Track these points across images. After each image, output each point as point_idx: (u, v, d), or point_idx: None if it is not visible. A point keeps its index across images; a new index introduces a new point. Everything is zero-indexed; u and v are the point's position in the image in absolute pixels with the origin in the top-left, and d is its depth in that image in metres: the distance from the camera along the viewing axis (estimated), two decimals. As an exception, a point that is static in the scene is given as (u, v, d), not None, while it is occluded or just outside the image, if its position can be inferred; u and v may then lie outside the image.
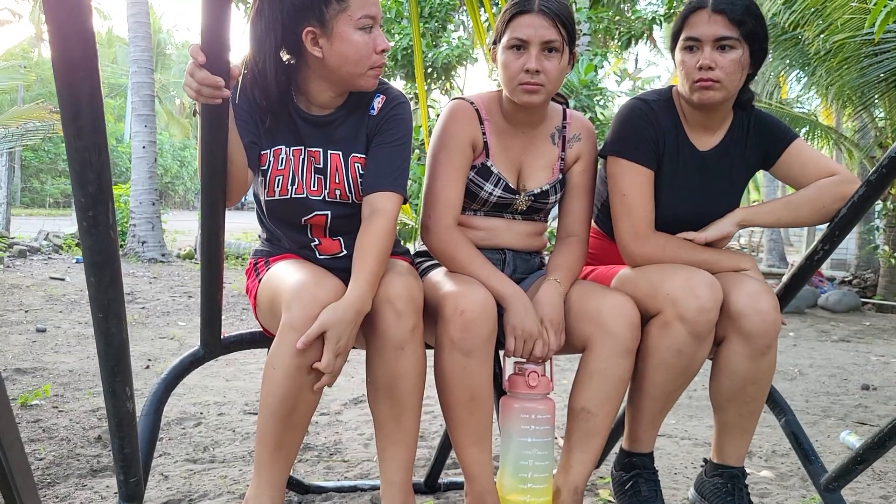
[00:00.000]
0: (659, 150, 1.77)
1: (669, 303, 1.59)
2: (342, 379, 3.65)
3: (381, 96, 1.70)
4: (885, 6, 4.36)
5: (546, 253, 1.99)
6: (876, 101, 8.43)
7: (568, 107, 1.92)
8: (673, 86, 1.84)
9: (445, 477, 2.33)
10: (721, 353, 1.67)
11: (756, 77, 1.78)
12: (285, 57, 1.65)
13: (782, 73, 10.22)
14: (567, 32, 1.70)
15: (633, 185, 1.74)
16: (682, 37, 1.71)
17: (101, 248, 1.00)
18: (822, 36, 7.73)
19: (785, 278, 1.82)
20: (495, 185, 1.80)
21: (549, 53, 1.69)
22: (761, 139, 1.81)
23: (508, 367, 1.73)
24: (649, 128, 1.76)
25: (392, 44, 8.32)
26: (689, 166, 1.80)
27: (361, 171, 1.68)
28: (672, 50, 1.77)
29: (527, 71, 1.68)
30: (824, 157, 1.81)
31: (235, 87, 1.61)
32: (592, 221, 1.93)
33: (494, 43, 1.77)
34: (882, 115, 9.06)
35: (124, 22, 10.09)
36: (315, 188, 1.69)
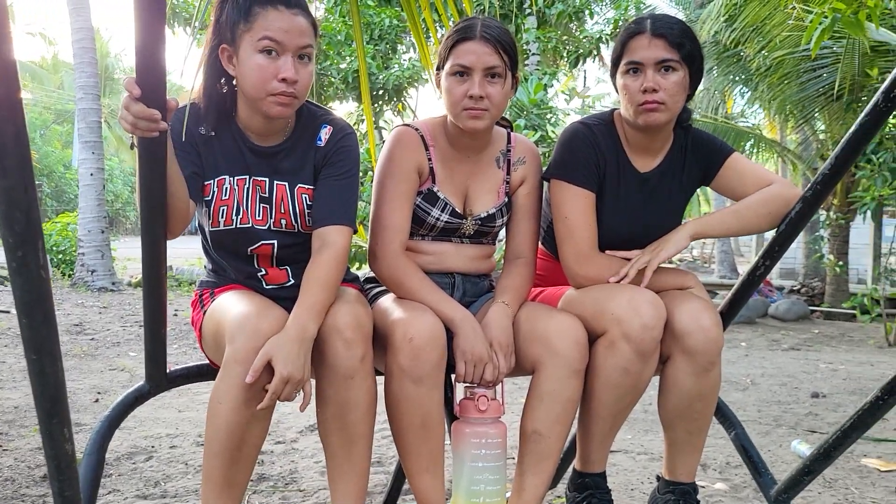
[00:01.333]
0: (600, 172, 1.80)
1: (614, 322, 1.61)
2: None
3: (328, 127, 1.70)
4: (820, 23, 4.52)
5: (495, 275, 2.00)
6: (816, 114, 8.71)
7: (512, 130, 1.94)
8: (615, 109, 1.88)
9: (403, 503, 2.31)
10: (667, 372, 1.69)
11: (700, 94, 1.83)
12: (233, 72, 1.61)
13: (727, 88, 10.50)
14: (509, 58, 1.72)
15: (576, 207, 1.76)
16: (624, 61, 1.74)
17: (31, 287, 0.98)
18: (762, 53, 7.97)
19: (728, 295, 1.86)
20: (442, 211, 1.81)
21: (493, 79, 1.71)
22: (699, 157, 1.85)
23: (459, 391, 1.73)
24: (590, 151, 1.78)
25: (344, 65, 8.34)
26: (630, 188, 1.83)
27: (309, 202, 1.67)
28: (613, 76, 1.80)
29: (470, 97, 1.69)
30: (761, 168, 1.86)
31: (177, 118, 1.60)
32: (539, 243, 1.94)
33: (438, 69, 1.79)
34: (822, 127, 9.35)
35: (70, 47, 9.90)
36: (260, 217, 1.68)
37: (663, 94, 1.69)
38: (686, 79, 1.72)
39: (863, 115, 1.46)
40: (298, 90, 1.57)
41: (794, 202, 1.68)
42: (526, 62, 9.50)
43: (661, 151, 1.85)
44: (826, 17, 4.42)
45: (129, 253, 13.90)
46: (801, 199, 1.64)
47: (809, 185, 1.60)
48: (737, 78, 9.72)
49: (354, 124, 8.77)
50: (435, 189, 1.81)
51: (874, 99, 1.42)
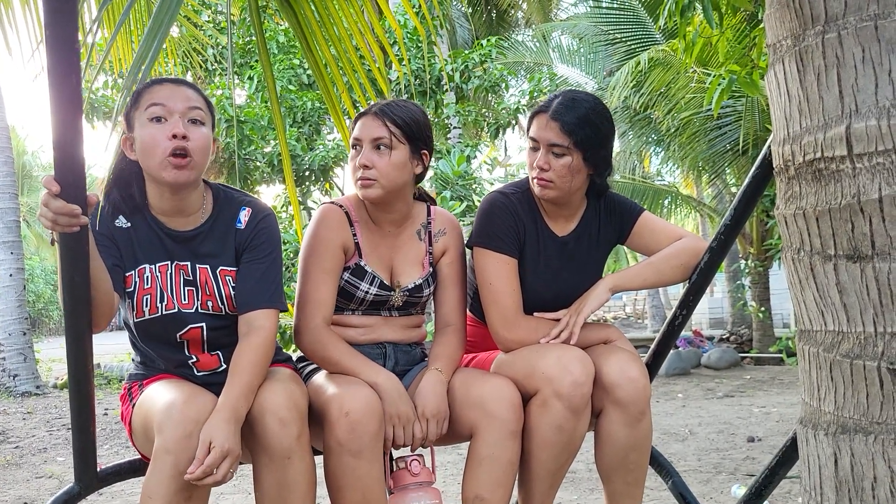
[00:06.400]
0: (520, 238, 1.87)
1: (546, 381, 1.65)
2: (240, 497, 3.50)
3: (248, 209, 1.72)
4: (718, 85, 4.80)
5: (427, 342, 2.02)
6: (726, 169, 9.16)
7: (434, 204, 2.00)
8: (531, 177, 1.96)
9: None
10: (600, 425, 1.74)
11: (617, 155, 1.92)
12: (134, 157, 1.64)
13: (643, 149, 10.98)
14: (400, 131, 1.77)
15: (499, 273, 1.82)
16: (529, 135, 1.84)
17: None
18: (670, 115, 8.39)
19: (652, 346, 1.93)
20: (370, 284, 1.84)
21: (379, 150, 1.77)
22: (613, 218, 1.94)
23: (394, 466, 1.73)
24: (510, 219, 1.85)
25: (269, 149, 8.39)
26: (550, 251, 1.90)
27: (233, 284, 1.68)
28: None
29: (361, 166, 1.76)
30: (670, 225, 1.96)
31: (95, 213, 1.60)
32: (468, 310, 1.99)
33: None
34: (733, 181, 9.82)
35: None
36: (186, 301, 1.67)
37: (552, 173, 1.78)
38: (579, 163, 1.78)
39: (754, 168, 1.57)
40: (192, 149, 1.57)
41: (702, 253, 1.78)
42: (448, 136, 9.73)
43: (575, 216, 1.93)
44: (724, 78, 4.72)
45: (53, 354, 13.36)
46: (709, 249, 1.75)
47: (714, 236, 1.71)
48: (649, 139, 10.19)
49: (282, 206, 8.77)
50: (362, 263, 1.84)
51: (762, 152, 1.54)
